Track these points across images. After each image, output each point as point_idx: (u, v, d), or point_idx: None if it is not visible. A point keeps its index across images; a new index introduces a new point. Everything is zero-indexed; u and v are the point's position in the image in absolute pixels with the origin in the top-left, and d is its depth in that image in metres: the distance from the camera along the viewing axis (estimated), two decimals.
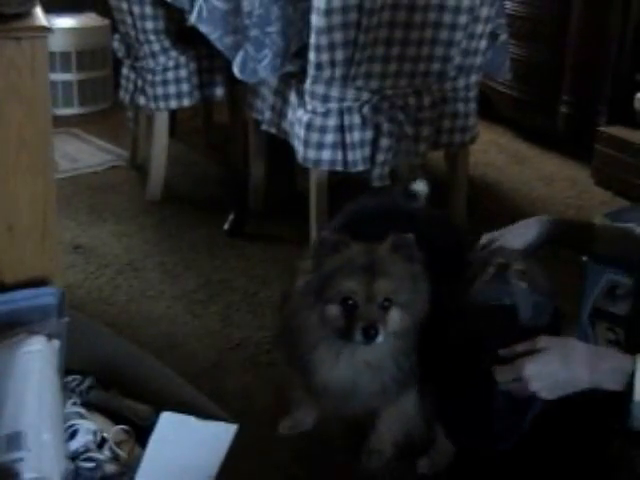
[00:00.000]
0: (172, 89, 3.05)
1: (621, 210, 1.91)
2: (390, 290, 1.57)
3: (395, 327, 1.59)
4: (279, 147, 2.82)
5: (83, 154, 3.60)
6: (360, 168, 2.54)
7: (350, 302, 1.56)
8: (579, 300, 1.99)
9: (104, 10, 3.83)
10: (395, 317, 1.59)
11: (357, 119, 2.49)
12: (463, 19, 2.49)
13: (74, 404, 1.63)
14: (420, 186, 2.01)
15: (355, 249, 1.61)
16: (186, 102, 3.11)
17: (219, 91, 3.14)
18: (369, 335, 1.54)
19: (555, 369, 1.38)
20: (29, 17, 1.70)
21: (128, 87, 3.18)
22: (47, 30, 1.66)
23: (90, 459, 1.52)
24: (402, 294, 1.59)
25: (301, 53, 2.53)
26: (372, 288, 1.56)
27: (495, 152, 3.76)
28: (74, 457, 1.51)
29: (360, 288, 1.56)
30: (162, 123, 3.12)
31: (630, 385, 1.34)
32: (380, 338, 1.55)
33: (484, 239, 1.80)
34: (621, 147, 3.20)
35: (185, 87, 3.07)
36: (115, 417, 1.62)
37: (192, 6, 2.60)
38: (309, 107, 2.47)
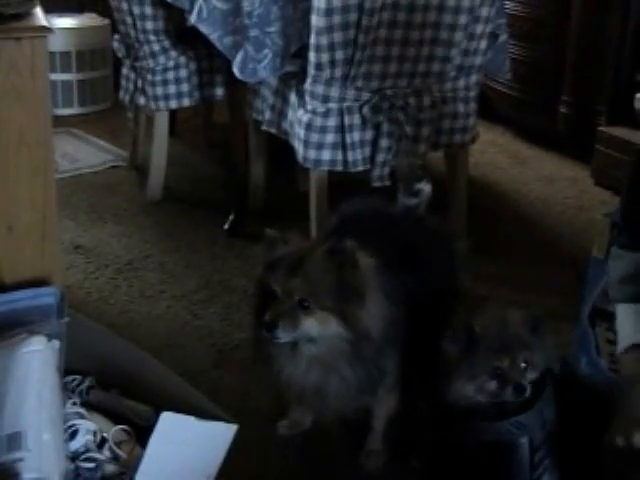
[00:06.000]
0: (172, 89, 3.05)
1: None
2: (306, 290, 1.56)
3: (314, 331, 1.57)
4: (279, 147, 2.82)
5: (83, 154, 3.60)
6: (360, 168, 2.54)
7: (275, 294, 1.58)
8: (579, 300, 1.99)
9: (104, 10, 3.83)
10: (319, 320, 1.57)
11: (357, 119, 2.49)
12: (463, 19, 2.49)
13: (74, 404, 1.63)
14: (424, 186, 2.01)
15: (291, 247, 1.63)
16: (186, 102, 3.11)
17: (219, 91, 3.14)
18: (268, 329, 1.56)
19: None
20: (29, 17, 1.70)
21: (128, 87, 3.18)
22: (47, 30, 1.66)
23: (90, 459, 1.51)
24: (324, 299, 1.57)
25: (301, 53, 2.53)
26: (288, 285, 1.57)
27: (495, 152, 3.76)
28: (74, 457, 1.51)
29: (278, 284, 1.58)
30: (162, 123, 3.12)
31: None
32: (281, 334, 1.56)
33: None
34: (621, 147, 3.19)
35: (185, 87, 3.07)
36: (115, 417, 1.62)
37: (192, 6, 2.60)
38: (309, 107, 2.47)
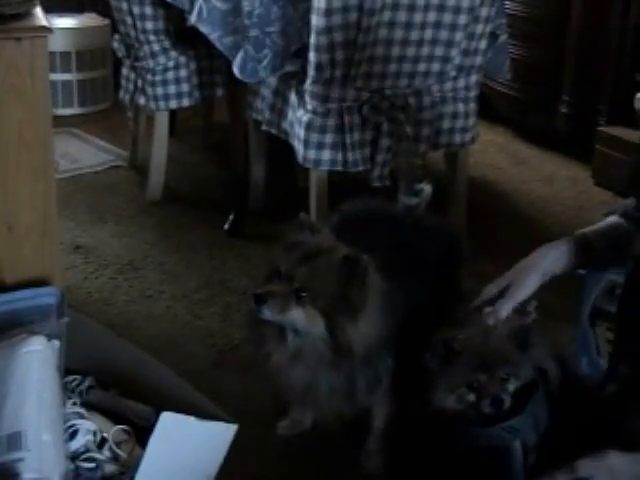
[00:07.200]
0: (172, 89, 3.05)
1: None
2: (307, 282, 1.56)
3: (300, 323, 1.57)
4: (279, 147, 2.83)
5: (83, 154, 3.60)
6: (360, 168, 2.54)
7: (277, 273, 1.59)
8: (579, 300, 1.99)
9: (104, 10, 3.84)
10: (307, 315, 1.56)
11: (357, 119, 2.49)
12: (463, 19, 2.50)
13: (74, 404, 1.63)
14: (425, 186, 2.01)
15: (316, 239, 1.63)
16: (186, 102, 3.11)
17: (219, 91, 3.14)
18: (256, 301, 1.56)
19: None
20: (29, 17, 1.70)
21: (128, 87, 3.18)
22: (47, 30, 1.66)
23: (90, 459, 1.52)
24: (320, 298, 1.56)
25: (301, 53, 2.53)
26: (294, 270, 1.57)
27: (495, 152, 3.76)
28: (74, 457, 1.51)
29: (285, 265, 1.58)
30: (162, 123, 3.12)
31: None
32: (266, 311, 1.56)
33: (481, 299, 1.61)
34: (621, 147, 3.19)
35: (185, 87, 3.07)
36: (115, 417, 1.62)
37: (192, 6, 2.60)
38: (309, 107, 2.47)
